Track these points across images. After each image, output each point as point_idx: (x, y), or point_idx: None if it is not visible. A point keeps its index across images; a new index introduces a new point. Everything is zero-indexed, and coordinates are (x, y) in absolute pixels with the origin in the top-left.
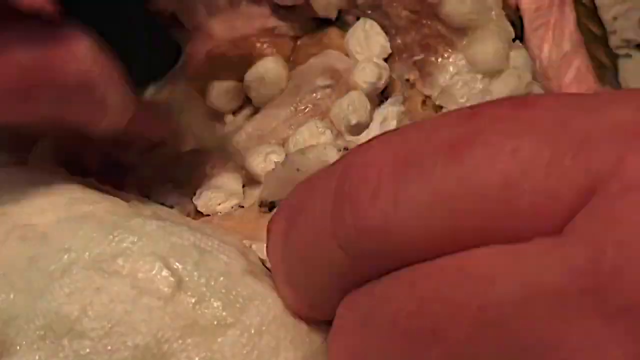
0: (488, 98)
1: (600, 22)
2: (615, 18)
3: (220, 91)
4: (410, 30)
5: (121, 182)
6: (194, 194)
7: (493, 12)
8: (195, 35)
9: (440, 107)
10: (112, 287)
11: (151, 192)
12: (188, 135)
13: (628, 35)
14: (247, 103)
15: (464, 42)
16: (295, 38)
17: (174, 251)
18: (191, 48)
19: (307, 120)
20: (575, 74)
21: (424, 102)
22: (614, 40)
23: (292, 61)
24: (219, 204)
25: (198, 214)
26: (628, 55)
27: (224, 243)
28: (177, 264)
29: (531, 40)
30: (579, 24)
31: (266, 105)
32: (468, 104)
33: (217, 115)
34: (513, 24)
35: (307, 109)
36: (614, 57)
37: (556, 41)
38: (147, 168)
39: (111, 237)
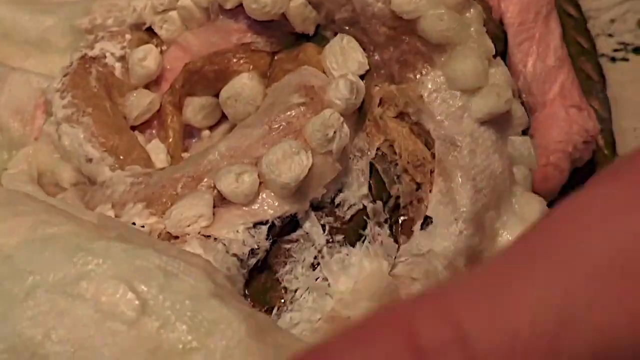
0: (466, 115)
1: (588, 35)
2: (612, 20)
3: (196, 107)
4: (389, 47)
5: (94, 198)
6: (164, 213)
7: (472, 29)
8: (172, 49)
9: (418, 124)
10: (75, 310)
11: (123, 211)
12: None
13: (625, 38)
14: (225, 119)
15: (443, 59)
16: (272, 53)
17: (138, 274)
18: (168, 62)
19: (281, 139)
20: (559, 90)
21: (401, 118)
22: (610, 44)
23: (268, 77)
24: (188, 226)
25: (168, 234)
26: (625, 59)
27: (190, 265)
28: (142, 286)
29: (515, 55)
30: (567, 36)
31: (240, 123)
32: (446, 122)
33: (194, 131)
34: (497, 38)
35: (281, 127)
36: (601, 70)
37: (541, 56)
38: (120, 185)
39: (75, 259)
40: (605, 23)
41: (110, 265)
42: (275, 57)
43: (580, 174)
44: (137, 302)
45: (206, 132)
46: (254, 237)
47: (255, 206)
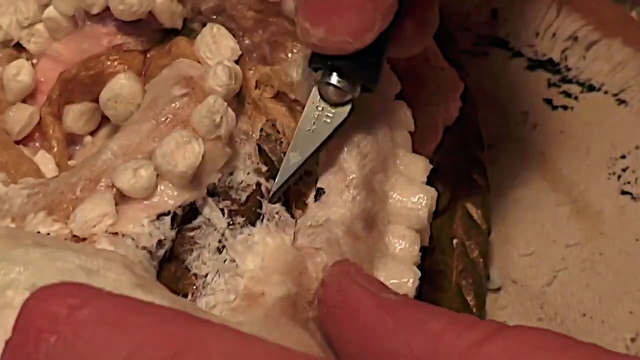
0: None
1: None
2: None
3: (76, 114)
4: (257, 30)
5: None
6: (68, 218)
7: None
8: (43, 61)
9: (296, 101)
10: (5, 320)
11: (24, 222)
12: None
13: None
14: (105, 123)
15: None
16: (144, 52)
17: (61, 275)
18: (41, 74)
19: (170, 131)
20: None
21: (279, 98)
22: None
23: (144, 75)
24: (94, 226)
25: (75, 237)
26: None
27: (109, 260)
28: None
29: None
30: None
31: (126, 122)
32: None
33: (76, 139)
34: None
35: (168, 120)
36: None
37: None
38: (17, 198)
39: None
40: (462, 17)
41: (33, 271)
42: (148, 55)
43: None
44: None
45: (88, 138)
46: (159, 228)
47: (156, 198)
